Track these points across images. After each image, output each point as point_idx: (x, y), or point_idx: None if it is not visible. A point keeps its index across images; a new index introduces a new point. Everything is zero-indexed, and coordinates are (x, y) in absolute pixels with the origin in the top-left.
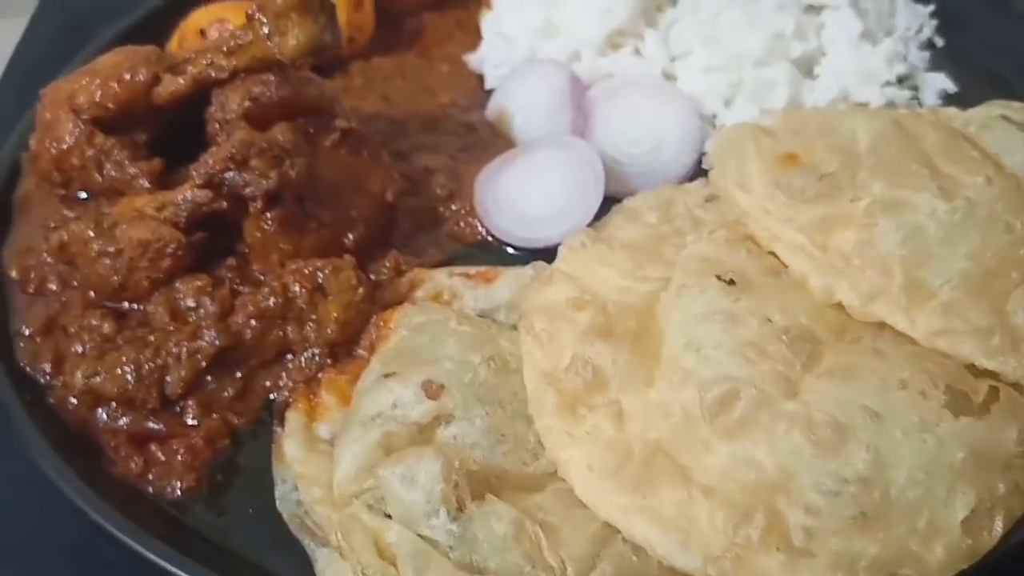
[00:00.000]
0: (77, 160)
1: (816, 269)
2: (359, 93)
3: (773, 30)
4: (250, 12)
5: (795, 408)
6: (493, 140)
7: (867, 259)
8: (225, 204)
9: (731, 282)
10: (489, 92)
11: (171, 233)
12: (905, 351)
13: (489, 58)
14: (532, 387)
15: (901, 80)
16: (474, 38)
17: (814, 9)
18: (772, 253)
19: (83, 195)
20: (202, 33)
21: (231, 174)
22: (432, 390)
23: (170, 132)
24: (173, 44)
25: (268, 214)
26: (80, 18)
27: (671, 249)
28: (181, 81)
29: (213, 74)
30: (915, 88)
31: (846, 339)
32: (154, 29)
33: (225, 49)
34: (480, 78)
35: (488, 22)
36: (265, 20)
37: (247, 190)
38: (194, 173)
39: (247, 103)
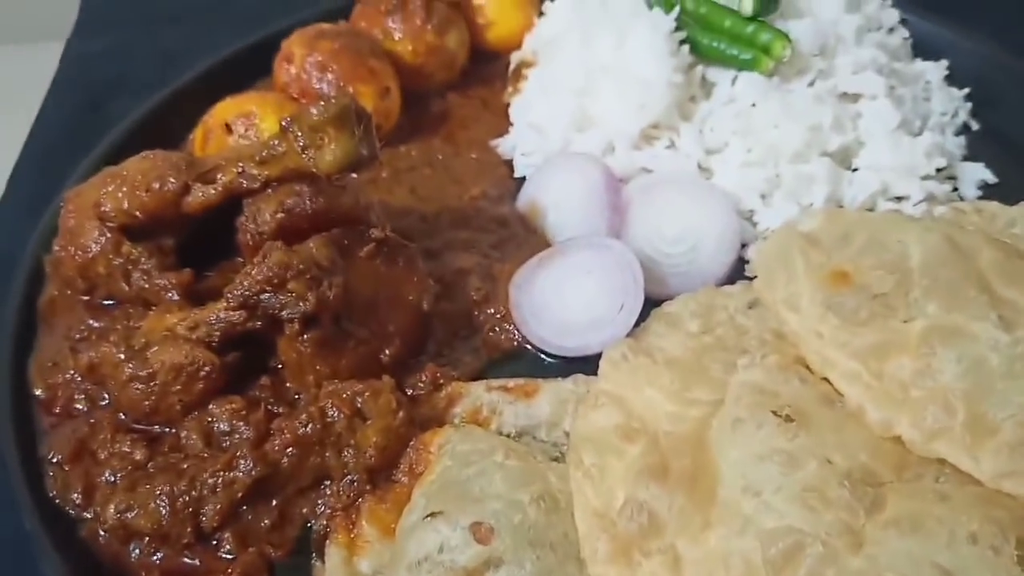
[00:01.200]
0: (103, 269)
1: (873, 400)
2: (387, 186)
3: (810, 123)
4: (284, 123)
5: (862, 565)
6: (526, 235)
7: (926, 391)
8: (259, 324)
9: (788, 418)
10: (519, 180)
11: (205, 355)
12: (970, 493)
13: (520, 146)
14: (584, 530)
15: (939, 170)
16: (501, 120)
17: (849, 97)
18: (826, 379)
19: (109, 302)
20: (228, 128)
21: (267, 296)
22: (481, 533)
23: (199, 232)
24: (197, 138)
25: (304, 336)
26: (96, 93)
27: (717, 366)
28: (212, 191)
29: (245, 184)
30: (953, 178)
31: (907, 476)
32: (174, 113)
33: (257, 158)
34: (509, 165)
35: (517, 109)
36: (300, 133)
37: (284, 313)
38: (228, 295)
39: (280, 215)
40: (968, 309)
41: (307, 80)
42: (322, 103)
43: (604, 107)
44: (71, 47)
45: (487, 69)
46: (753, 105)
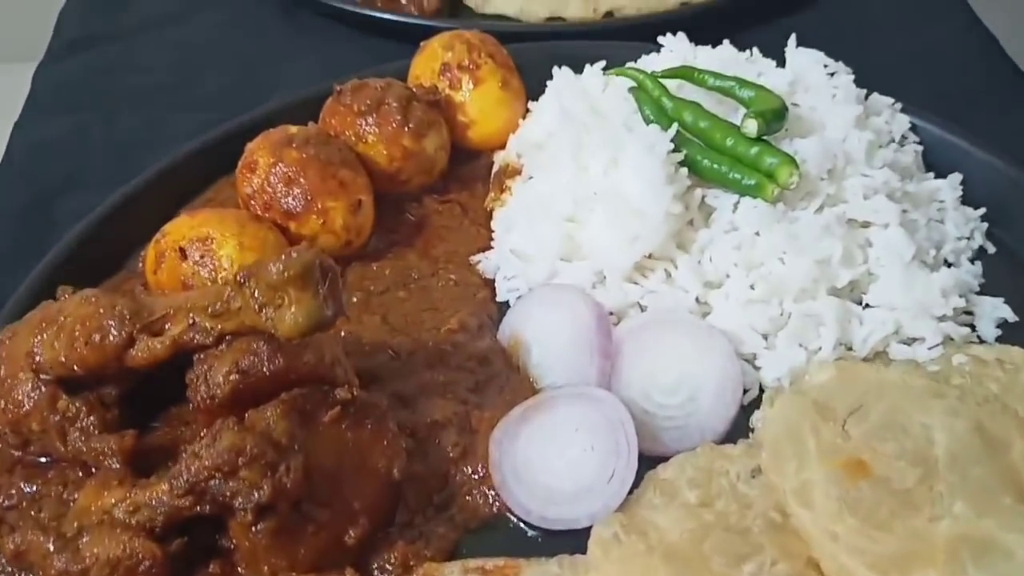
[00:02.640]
0: (37, 426)
1: None
2: (357, 314)
3: (818, 256)
4: (240, 278)
5: None
6: (508, 374)
7: None
8: (208, 509)
9: None
10: (502, 304)
11: (145, 547)
12: None
13: (503, 269)
14: None
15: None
16: (481, 230)
17: (856, 223)
18: None
19: (44, 459)
20: (182, 253)
21: (216, 482)
22: None
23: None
24: (149, 259)
25: (258, 526)
26: (44, 189)
27: (720, 559)
28: (159, 345)
29: (196, 338)
30: (970, 313)
31: None
32: (126, 222)
33: (210, 311)
34: (491, 286)
35: (501, 225)
36: (257, 291)
37: (235, 501)
38: (173, 480)
39: (234, 376)
40: (1002, 517)
41: (272, 194)
42: (283, 257)
43: (594, 236)
44: (19, 133)
45: (467, 169)
46: (757, 234)
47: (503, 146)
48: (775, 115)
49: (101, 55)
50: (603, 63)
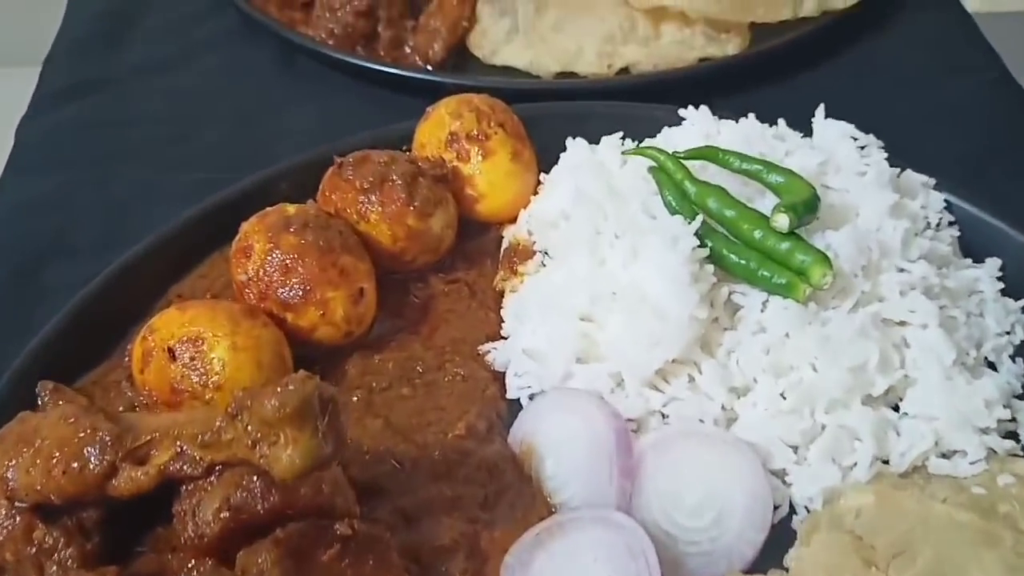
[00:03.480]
0: (11, 556)
1: None
2: (358, 415)
3: (853, 362)
4: (231, 409)
5: None
6: (520, 487)
7: None
8: None
9: None
10: (513, 404)
11: None
12: None
13: (513, 365)
14: None
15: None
16: (490, 314)
17: (891, 322)
18: None
19: None
20: (171, 353)
21: None
22: None
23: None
24: (136, 356)
25: None
26: (29, 255)
27: None
28: (143, 476)
29: (184, 468)
30: (1014, 419)
31: None
32: (110, 306)
33: (199, 440)
34: (500, 379)
35: (511, 311)
36: (251, 426)
37: None
38: None
39: (224, 514)
40: None
41: (268, 283)
42: (279, 390)
43: (612, 337)
44: (2, 192)
45: (475, 244)
46: (787, 336)
47: (513, 219)
48: (807, 207)
49: (89, 107)
50: (620, 135)
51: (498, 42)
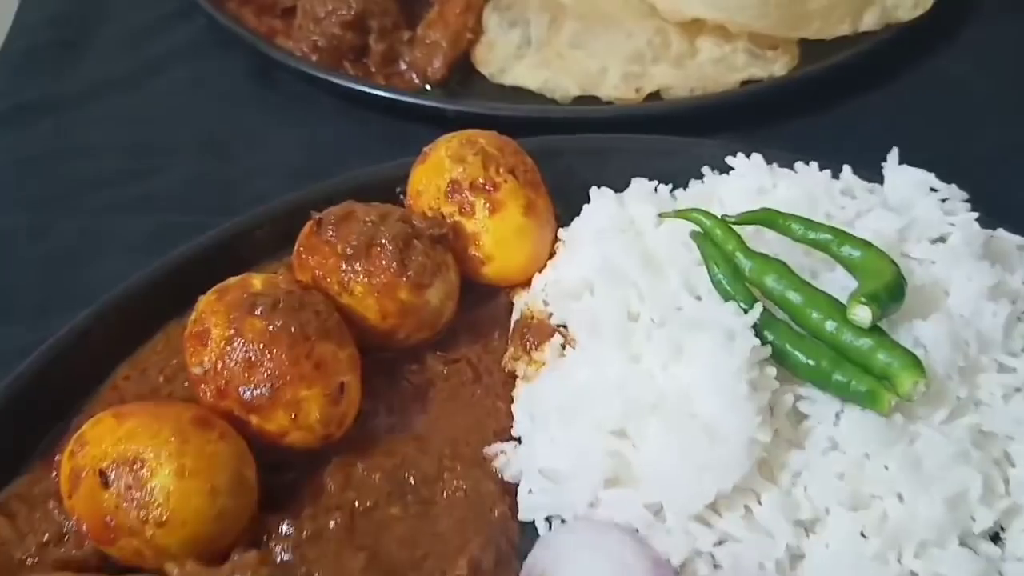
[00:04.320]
0: None
1: None
2: (336, 547)
3: (949, 492)
4: None
5: None
6: None
7: None
8: None
9: None
10: (527, 524)
11: None
12: None
13: (526, 480)
14: None
15: None
16: (498, 403)
17: (992, 435)
18: None
19: None
20: (103, 478)
21: None
22: None
23: None
24: (63, 475)
25: None
26: None
27: None
28: None
29: None
30: None
31: None
32: (43, 395)
33: None
34: (512, 494)
35: (523, 425)
36: None
37: None
38: None
39: None
40: None
41: (227, 379)
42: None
43: (650, 459)
44: None
45: (481, 312)
46: (866, 457)
47: (526, 283)
48: (891, 294)
49: (29, 136)
50: (652, 182)
51: (508, 58)
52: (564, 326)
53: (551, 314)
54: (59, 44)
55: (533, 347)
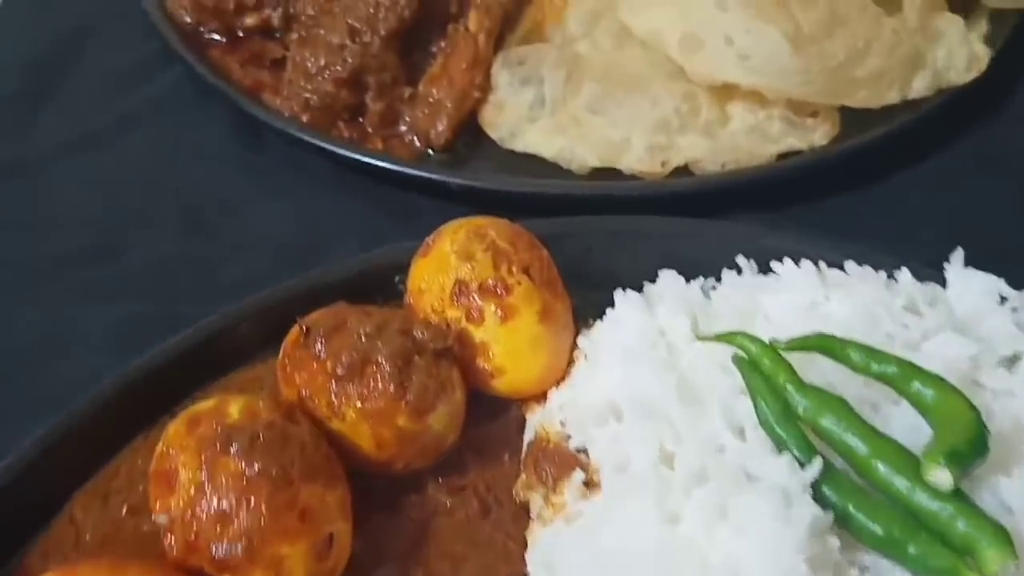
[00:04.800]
0: None
1: None
2: None
3: None
4: None
5: None
6: None
7: None
8: None
9: None
10: None
11: None
12: None
13: None
14: None
15: None
16: (510, 544)
17: None
18: None
19: None
20: None
21: None
22: None
23: None
24: None
25: None
26: None
27: None
28: None
29: None
30: None
31: None
32: None
33: None
34: None
35: (538, 557)
36: None
37: None
38: None
39: None
40: None
41: (196, 532)
42: None
43: None
44: None
45: (489, 430)
46: None
47: (541, 395)
48: (973, 449)
49: None
50: (684, 284)
51: (519, 120)
52: (584, 451)
53: (569, 436)
54: (24, 96)
55: (550, 481)
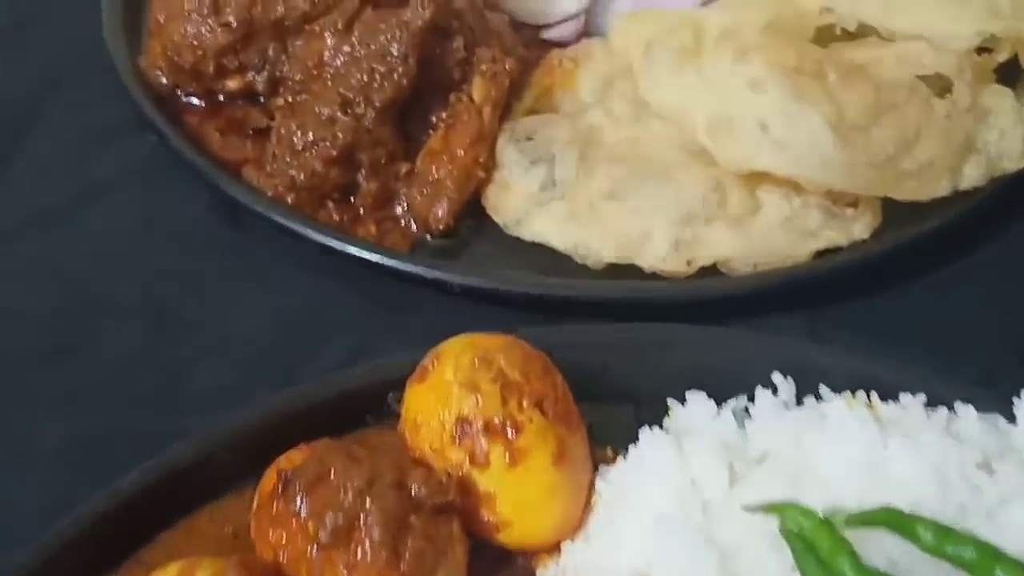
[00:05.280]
0: None
1: None
2: None
3: None
4: None
5: None
6: None
7: None
8: None
9: None
10: None
11: None
12: None
13: None
14: None
15: None
16: None
17: None
18: None
19: None
20: None
21: None
22: None
23: None
24: None
25: None
26: None
27: None
28: None
29: None
30: None
31: None
32: None
33: None
34: None
35: None
36: None
37: None
38: None
39: None
40: None
41: None
42: None
43: None
44: None
45: None
46: None
47: (553, 547)
48: None
49: None
50: (715, 410)
51: (527, 203)
52: None
53: None
54: None
55: None
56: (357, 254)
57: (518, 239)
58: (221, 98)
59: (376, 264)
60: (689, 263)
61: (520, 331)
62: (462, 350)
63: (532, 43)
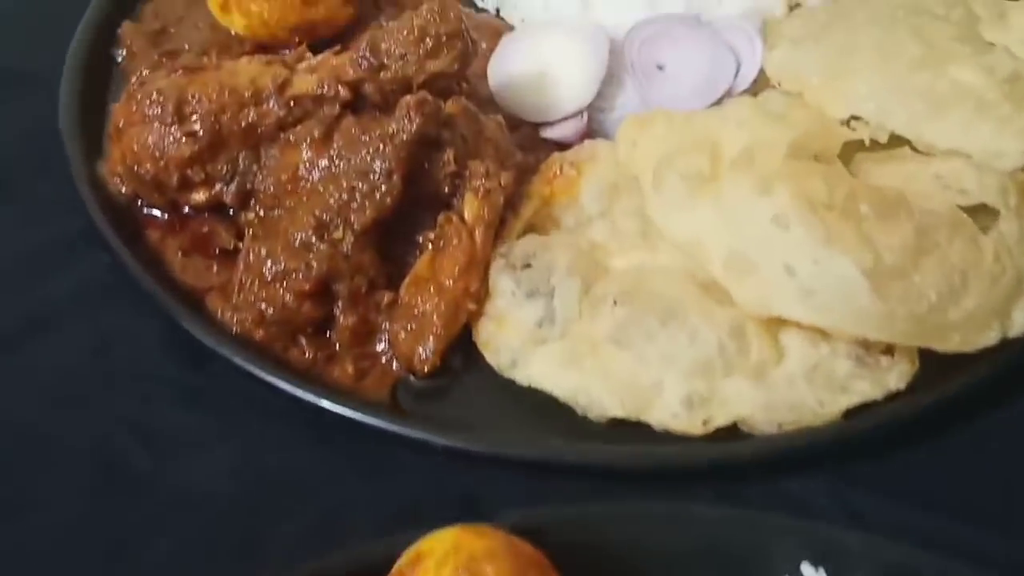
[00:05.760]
0: None
1: None
2: None
3: None
4: None
5: None
6: None
7: None
8: None
9: None
10: None
11: None
12: None
13: None
14: None
15: None
16: None
17: None
18: None
19: None
20: None
21: None
22: None
23: None
24: None
25: None
26: None
27: None
28: None
29: None
30: None
31: None
32: None
33: None
34: None
35: None
36: None
37: None
38: None
39: None
40: None
41: None
42: None
43: None
44: None
45: None
46: None
47: None
48: None
49: None
50: None
51: (523, 341)
52: None
53: None
54: None
55: None
56: (329, 408)
57: (511, 380)
58: (186, 210)
59: (350, 420)
60: (705, 423)
61: (513, 519)
62: (443, 557)
63: (531, 143)
